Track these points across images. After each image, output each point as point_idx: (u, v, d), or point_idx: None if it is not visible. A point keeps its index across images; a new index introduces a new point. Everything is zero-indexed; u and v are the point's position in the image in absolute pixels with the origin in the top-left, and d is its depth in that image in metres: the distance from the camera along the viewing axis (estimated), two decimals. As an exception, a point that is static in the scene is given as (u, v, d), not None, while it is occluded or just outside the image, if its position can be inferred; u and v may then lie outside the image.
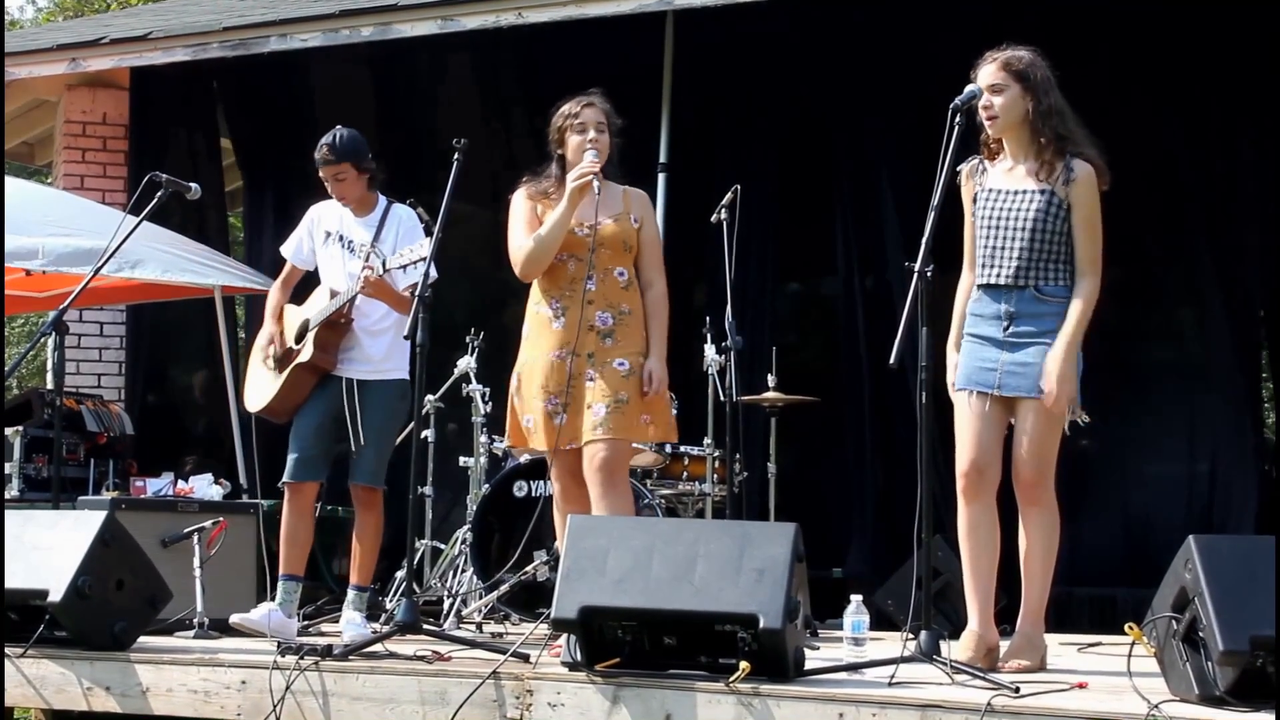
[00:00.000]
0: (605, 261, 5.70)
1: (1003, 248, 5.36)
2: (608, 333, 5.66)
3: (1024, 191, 5.35)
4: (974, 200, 5.43)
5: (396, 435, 6.69)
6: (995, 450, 5.39)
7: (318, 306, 6.61)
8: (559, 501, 5.80)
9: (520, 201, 5.83)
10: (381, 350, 6.55)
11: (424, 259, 6.03)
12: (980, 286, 5.44)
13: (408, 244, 6.49)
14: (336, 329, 6.52)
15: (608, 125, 5.76)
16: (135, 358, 10.38)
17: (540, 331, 5.74)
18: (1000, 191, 5.39)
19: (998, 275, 5.36)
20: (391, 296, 6.43)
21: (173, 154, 10.35)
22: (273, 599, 6.54)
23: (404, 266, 6.22)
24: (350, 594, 6.58)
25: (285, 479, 6.57)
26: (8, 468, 8.20)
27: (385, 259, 6.30)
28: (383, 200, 6.69)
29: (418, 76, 10.02)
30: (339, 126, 6.62)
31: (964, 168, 5.50)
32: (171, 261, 8.94)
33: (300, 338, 6.60)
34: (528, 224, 5.76)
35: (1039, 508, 5.37)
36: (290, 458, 6.55)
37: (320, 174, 6.59)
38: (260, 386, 6.74)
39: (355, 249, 6.60)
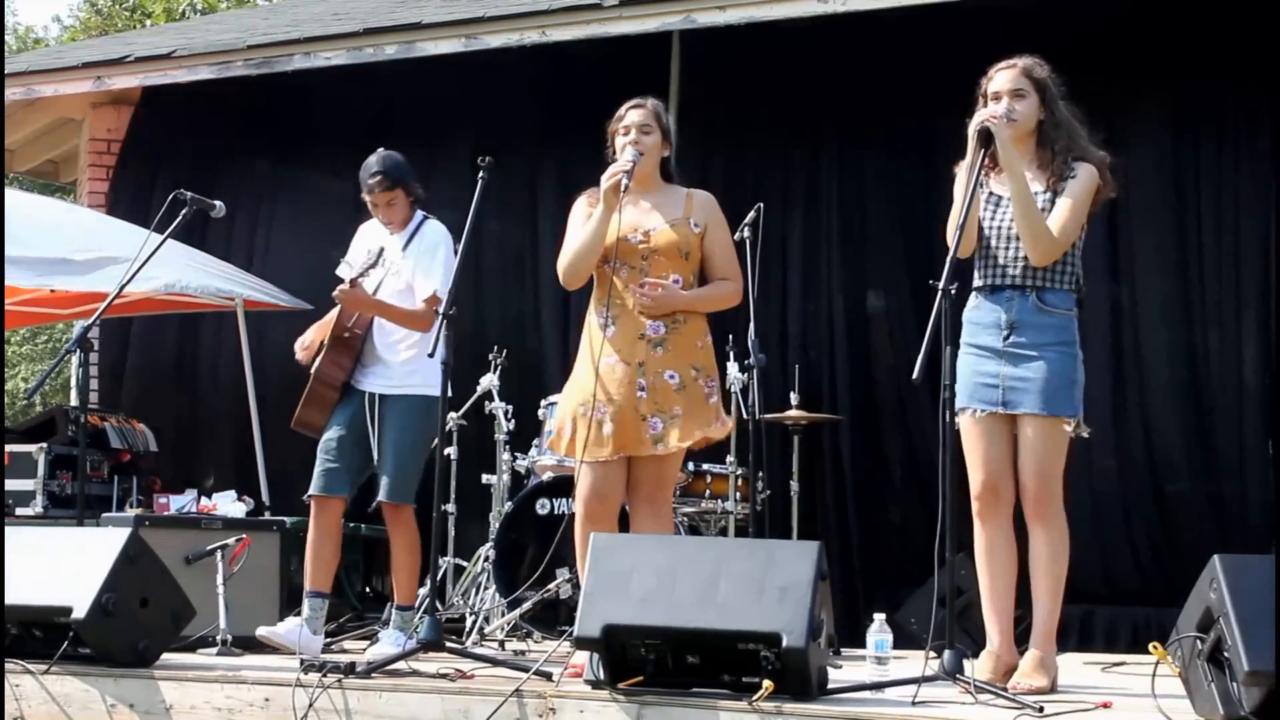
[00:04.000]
0: (659, 269, 5.64)
1: (1008, 249, 5.36)
2: (659, 341, 5.61)
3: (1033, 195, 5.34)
4: (966, 211, 5.29)
5: (422, 451, 6.54)
6: (1007, 468, 5.37)
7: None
8: (584, 519, 5.66)
9: (578, 209, 5.81)
10: (403, 365, 6.50)
11: (373, 265, 6.18)
12: (980, 290, 5.42)
13: (425, 261, 6.50)
14: (343, 343, 6.48)
15: (656, 126, 5.72)
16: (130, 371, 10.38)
17: (592, 341, 5.68)
18: (1003, 198, 5.38)
19: (1002, 277, 5.36)
20: (373, 308, 6.43)
21: (169, 169, 10.35)
22: (298, 615, 6.53)
23: (362, 277, 6.27)
24: (392, 614, 6.59)
25: (309, 492, 6.52)
26: (32, 484, 8.23)
27: (346, 274, 6.31)
28: (418, 216, 6.67)
29: (431, 94, 9.95)
30: (382, 150, 6.61)
31: (961, 169, 5.48)
32: (205, 277, 8.98)
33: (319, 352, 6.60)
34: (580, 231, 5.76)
35: (1046, 524, 5.33)
36: (316, 471, 6.50)
37: (367, 198, 6.57)
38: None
39: (388, 264, 6.55)
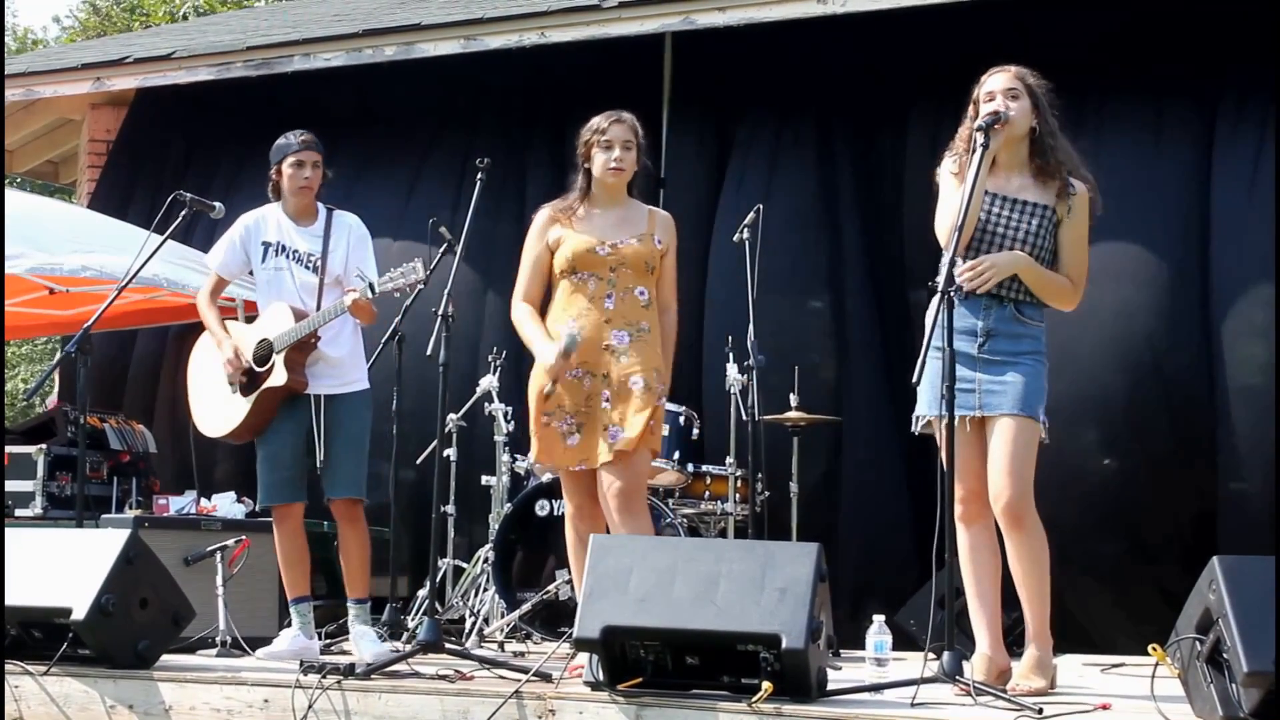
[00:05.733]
0: (626, 281, 5.71)
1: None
2: (624, 351, 5.66)
3: (1026, 203, 5.35)
4: (965, 210, 5.28)
5: (367, 445, 6.54)
6: (985, 471, 5.37)
7: (278, 326, 6.41)
8: (574, 521, 5.78)
9: (537, 226, 5.85)
10: (345, 361, 6.45)
11: (421, 282, 6.03)
12: (954, 292, 5.38)
13: (360, 254, 6.47)
14: (305, 349, 6.38)
15: (635, 143, 5.76)
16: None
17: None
18: (1001, 198, 5.38)
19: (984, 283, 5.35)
20: (371, 314, 6.39)
21: (153, 169, 10.34)
22: (289, 625, 6.54)
23: (397, 290, 6.17)
24: (354, 610, 6.47)
25: (270, 502, 6.49)
26: (32, 485, 8.23)
27: (372, 283, 6.20)
28: (323, 208, 6.58)
29: (420, 93, 9.90)
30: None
31: (952, 165, 5.48)
32: (195, 277, 8.96)
33: (263, 359, 6.42)
34: (534, 261, 5.80)
35: (1024, 531, 5.28)
36: (270, 481, 6.45)
37: (288, 161, 6.46)
38: (220, 410, 6.55)
39: (305, 260, 6.48)
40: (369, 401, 6.55)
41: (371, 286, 6.19)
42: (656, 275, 5.80)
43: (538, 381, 5.71)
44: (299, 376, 6.36)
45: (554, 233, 5.79)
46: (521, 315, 5.81)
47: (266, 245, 6.52)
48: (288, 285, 6.48)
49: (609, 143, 5.72)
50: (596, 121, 5.78)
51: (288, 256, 6.50)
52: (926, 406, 5.39)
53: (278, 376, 6.36)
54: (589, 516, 5.74)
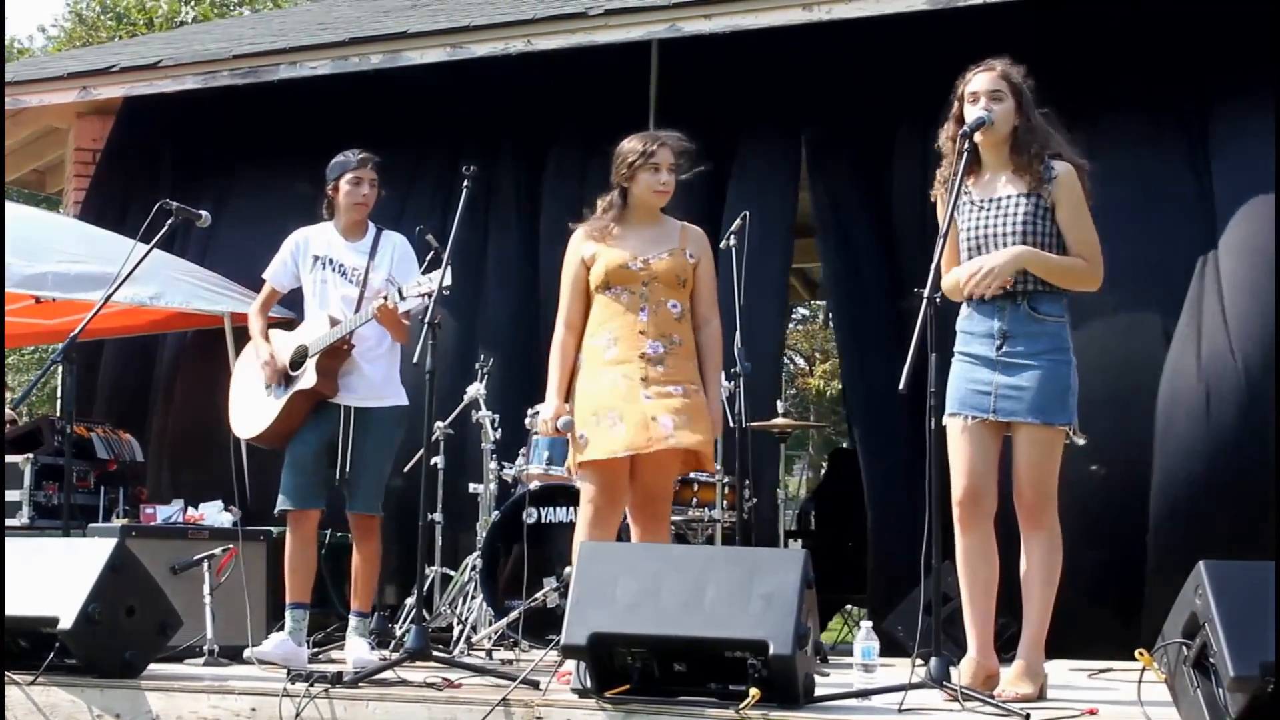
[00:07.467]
0: (658, 294, 5.80)
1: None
2: (658, 360, 5.74)
3: (1007, 197, 5.36)
4: (951, 215, 5.37)
5: (392, 462, 6.67)
6: (991, 476, 5.38)
7: (315, 333, 6.56)
8: (591, 524, 5.75)
9: (572, 247, 5.94)
10: (379, 376, 6.55)
11: (446, 289, 6.06)
12: (970, 301, 5.43)
13: (404, 271, 6.56)
14: (337, 356, 6.49)
15: (676, 164, 5.86)
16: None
17: (595, 361, 5.80)
18: (983, 201, 5.39)
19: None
20: (399, 325, 6.45)
21: (145, 178, 10.34)
22: (281, 629, 6.54)
23: (423, 297, 6.22)
24: (353, 620, 6.57)
25: (287, 506, 6.53)
26: (18, 495, 8.21)
27: (400, 288, 6.29)
28: (372, 226, 6.69)
29: (411, 101, 9.89)
30: None
31: (939, 186, 5.50)
32: (191, 291, 8.95)
33: (297, 364, 6.56)
34: (573, 281, 5.90)
35: (1040, 532, 5.33)
36: (290, 485, 6.52)
37: (346, 178, 6.57)
38: (253, 412, 6.68)
39: (349, 274, 6.60)
40: (400, 418, 6.61)
41: (400, 291, 6.26)
42: (689, 289, 5.88)
43: (547, 416, 5.86)
44: (329, 381, 6.47)
45: (588, 249, 5.88)
46: (554, 351, 5.92)
47: (316, 258, 6.66)
48: (331, 296, 6.60)
49: (656, 165, 5.82)
50: (640, 145, 5.86)
51: (333, 269, 6.62)
52: (946, 406, 5.41)
53: (307, 379, 6.48)
54: (604, 520, 5.77)
